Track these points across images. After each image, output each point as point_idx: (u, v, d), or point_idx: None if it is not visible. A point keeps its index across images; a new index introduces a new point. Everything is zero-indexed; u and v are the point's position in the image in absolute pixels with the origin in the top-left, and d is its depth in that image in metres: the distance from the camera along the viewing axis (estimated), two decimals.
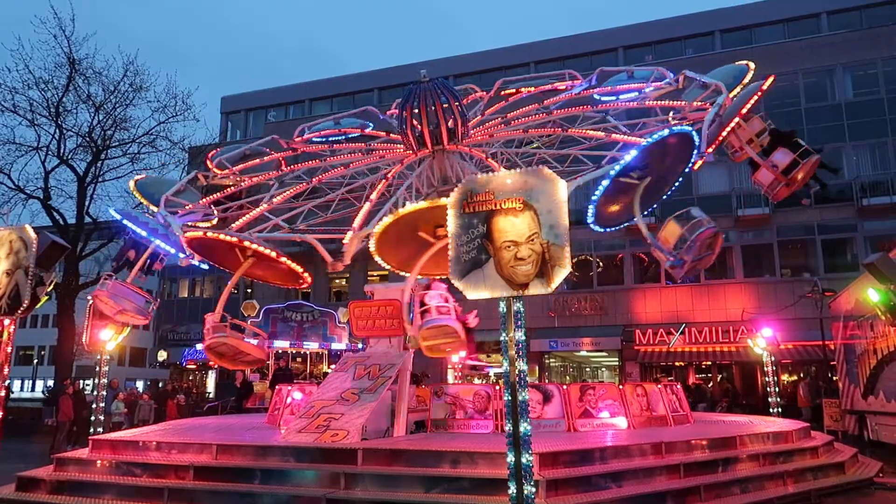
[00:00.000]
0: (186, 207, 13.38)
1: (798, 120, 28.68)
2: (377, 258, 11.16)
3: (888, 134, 27.94)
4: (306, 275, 12.60)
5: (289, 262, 11.92)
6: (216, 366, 26.77)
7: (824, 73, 29.79)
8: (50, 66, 28.03)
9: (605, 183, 10.45)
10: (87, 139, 27.63)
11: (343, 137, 15.29)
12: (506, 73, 38.16)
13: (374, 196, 12.81)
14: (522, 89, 15.24)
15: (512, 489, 6.60)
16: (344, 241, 11.80)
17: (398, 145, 13.97)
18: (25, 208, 28.59)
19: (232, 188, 14.05)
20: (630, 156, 10.26)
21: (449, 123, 12.54)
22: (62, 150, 27.50)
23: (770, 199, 13.49)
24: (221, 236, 11.66)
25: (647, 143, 10.26)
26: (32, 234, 10.24)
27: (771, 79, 12.39)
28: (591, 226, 11.38)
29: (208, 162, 14.84)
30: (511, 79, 15.46)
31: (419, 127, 12.60)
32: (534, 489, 7.17)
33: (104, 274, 13.44)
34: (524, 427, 6.64)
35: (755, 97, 11.94)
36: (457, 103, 12.64)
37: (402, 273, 11.77)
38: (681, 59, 32.01)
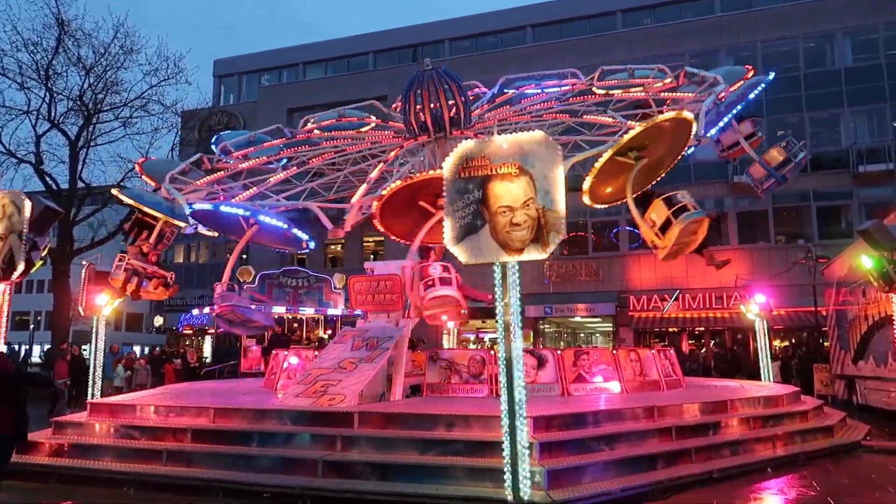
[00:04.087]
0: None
1: (797, 85, 28.49)
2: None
3: (886, 100, 27.77)
4: (298, 233, 12.86)
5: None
6: (215, 332, 26.91)
7: (824, 39, 29.48)
8: (38, 28, 27.60)
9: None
10: (79, 103, 27.28)
11: (347, 125, 15.43)
12: (501, 37, 37.83)
13: (374, 175, 13.15)
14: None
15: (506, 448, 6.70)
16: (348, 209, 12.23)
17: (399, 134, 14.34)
18: (17, 173, 28.38)
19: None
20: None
21: (452, 111, 12.80)
22: (53, 114, 27.18)
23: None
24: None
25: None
26: (25, 199, 10.17)
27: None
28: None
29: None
30: (513, 77, 15.48)
31: (422, 113, 12.87)
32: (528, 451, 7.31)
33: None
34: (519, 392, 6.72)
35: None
36: (459, 91, 12.90)
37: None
38: (679, 23, 31.62)
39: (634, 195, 11.91)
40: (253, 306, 13.65)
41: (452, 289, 11.06)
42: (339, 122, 15.39)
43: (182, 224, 12.59)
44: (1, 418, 6.94)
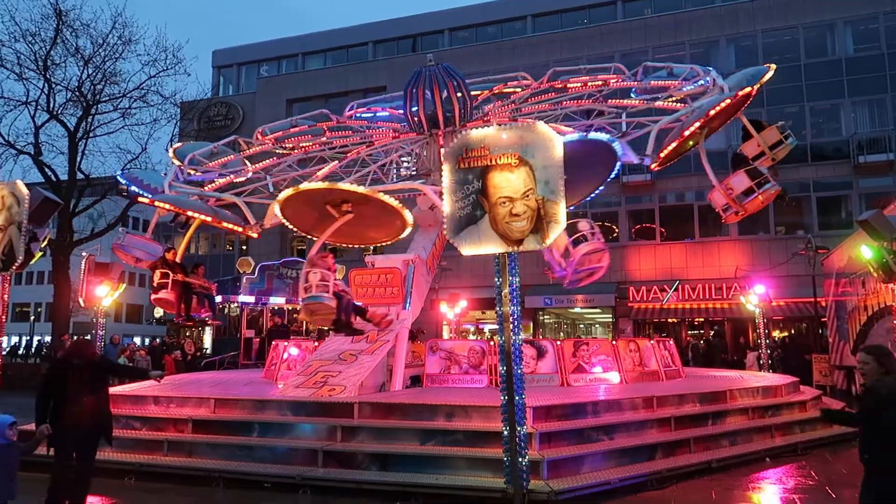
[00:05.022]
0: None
1: (797, 76, 28.37)
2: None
3: (887, 90, 27.66)
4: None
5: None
6: (215, 324, 26.91)
7: (825, 28, 29.34)
8: (36, 18, 27.51)
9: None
10: (77, 93, 27.20)
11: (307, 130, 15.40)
12: (502, 27, 37.65)
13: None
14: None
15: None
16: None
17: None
18: (16, 164, 28.36)
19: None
20: (715, 110, 10.83)
21: (453, 107, 12.85)
22: (52, 105, 27.11)
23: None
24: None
25: (726, 100, 10.77)
26: (25, 190, 10.17)
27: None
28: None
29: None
30: (561, 69, 15.44)
31: (424, 109, 12.99)
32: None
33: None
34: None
35: (722, 104, 11.27)
36: (460, 88, 12.99)
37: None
38: (679, 13, 31.47)
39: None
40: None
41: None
42: (289, 133, 15.16)
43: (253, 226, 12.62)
44: (85, 409, 6.43)
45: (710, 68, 13.25)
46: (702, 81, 12.96)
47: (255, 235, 13.40)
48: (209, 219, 12.50)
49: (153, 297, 13.33)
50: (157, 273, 12.88)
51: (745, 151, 12.65)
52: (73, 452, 6.47)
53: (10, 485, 5.73)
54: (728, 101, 11.12)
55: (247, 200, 13.08)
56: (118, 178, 14.62)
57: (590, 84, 13.99)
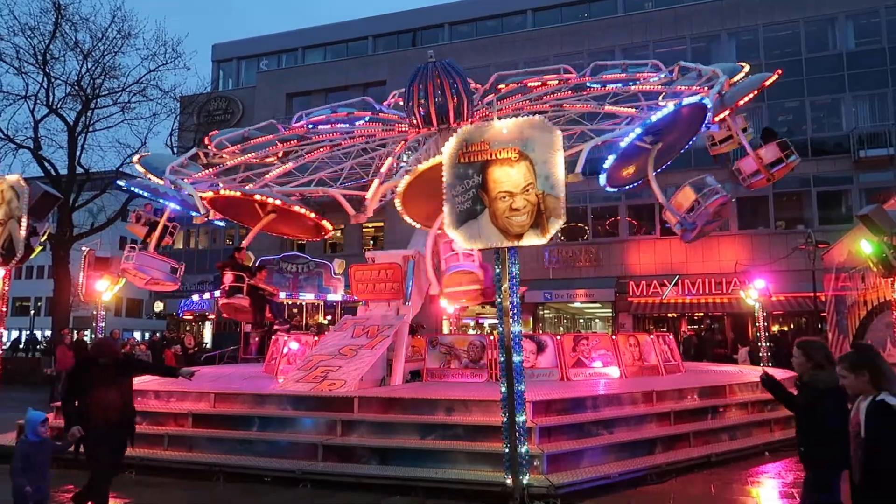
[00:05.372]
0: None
1: (798, 70, 28.32)
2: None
3: (888, 85, 27.62)
4: (326, 223, 12.73)
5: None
6: (214, 317, 26.91)
7: (826, 22, 29.28)
8: (35, 12, 27.43)
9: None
10: (76, 88, 27.18)
11: (346, 118, 15.44)
12: (502, 21, 37.58)
13: (384, 169, 13.27)
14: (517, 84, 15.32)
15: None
16: (366, 196, 12.21)
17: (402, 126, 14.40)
18: (16, 158, 28.44)
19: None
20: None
21: (454, 103, 12.91)
22: (51, 99, 27.08)
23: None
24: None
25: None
26: (24, 184, 10.15)
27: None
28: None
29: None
30: (505, 73, 15.55)
31: (425, 105, 12.99)
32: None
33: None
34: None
35: (756, 91, 12.76)
36: (462, 83, 13.04)
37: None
38: (680, 7, 31.37)
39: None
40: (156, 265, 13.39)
41: (475, 265, 11.22)
42: (331, 118, 15.38)
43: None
44: (112, 407, 6.30)
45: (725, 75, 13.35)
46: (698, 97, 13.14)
47: (330, 229, 13.33)
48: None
49: (223, 302, 13.10)
50: (230, 275, 12.66)
51: (741, 168, 13.28)
52: (102, 451, 6.35)
53: (43, 484, 5.61)
54: (756, 91, 12.23)
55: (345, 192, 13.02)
56: (137, 165, 14.61)
57: (629, 83, 14.19)
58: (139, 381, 12.79)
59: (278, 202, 11.76)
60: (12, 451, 9.67)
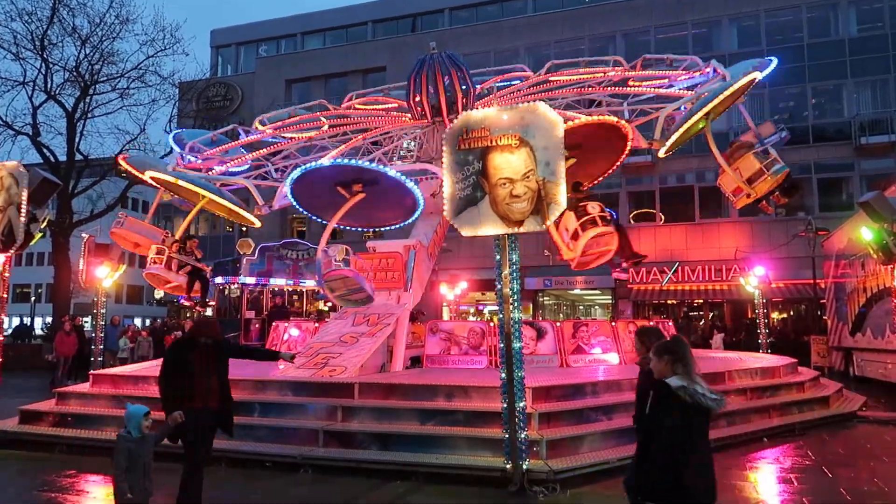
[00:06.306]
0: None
1: (800, 56, 28.16)
2: (292, 201, 11.68)
3: (891, 71, 27.48)
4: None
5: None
6: (214, 304, 26.93)
7: (828, 8, 29.08)
8: None
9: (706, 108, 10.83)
10: (75, 74, 27.07)
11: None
12: (502, 6, 37.30)
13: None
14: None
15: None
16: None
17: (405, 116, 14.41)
18: (15, 145, 28.34)
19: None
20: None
21: (456, 94, 12.90)
22: (49, 85, 26.98)
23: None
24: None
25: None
26: (23, 171, 10.13)
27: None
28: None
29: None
30: (559, 62, 15.42)
31: (426, 97, 13.02)
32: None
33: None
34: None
35: (727, 92, 11.32)
36: (464, 74, 13.03)
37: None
38: None
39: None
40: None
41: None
42: (287, 122, 15.27)
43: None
44: (212, 392, 5.93)
45: (713, 60, 13.15)
46: (700, 78, 12.92)
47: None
48: (222, 200, 12.47)
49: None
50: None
51: (722, 185, 12.64)
52: (201, 439, 5.94)
53: (146, 483, 5.30)
54: (734, 87, 11.04)
55: (255, 183, 13.06)
56: (120, 162, 14.53)
57: (589, 76, 13.97)
58: (140, 368, 12.87)
59: (375, 166, 11.28)
60: (12, 437, 9.80)
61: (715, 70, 12.61)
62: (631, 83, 13.73)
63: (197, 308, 14.29)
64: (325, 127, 14.63)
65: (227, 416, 6.15)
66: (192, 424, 5.77)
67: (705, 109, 10.92)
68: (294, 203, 11.86)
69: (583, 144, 10.78)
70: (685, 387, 3.91)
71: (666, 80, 13.59)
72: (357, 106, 15.73)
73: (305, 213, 12.76)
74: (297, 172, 10.80)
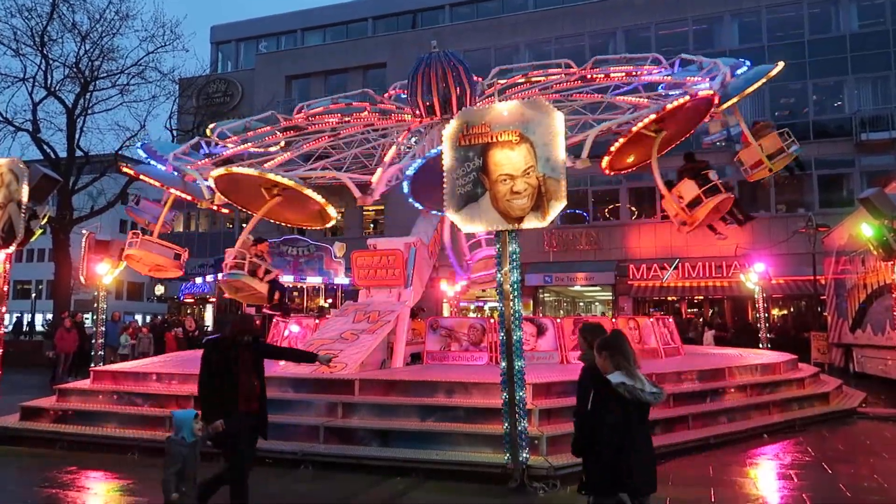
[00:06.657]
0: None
1: (801, 52, 28.10)
2: (222, 196, 12.39)
3: (891, 67, 27.43)
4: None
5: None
6: (215, 300, 26.97)
7: (830, 4, 29.00)
8: None
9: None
10: (75, 70, 27.04)
11: (345, 108, 15.47)
12: (503, 3, 37.23)
13: (387, 158, 13.31)
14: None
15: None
16: (371, 180, 12.18)
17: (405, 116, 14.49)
18: (15, 141, 28.32)
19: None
20: (670, 105, 10.87)
21: (458, 92, 12.98)
22: (49, 82, 26.96)
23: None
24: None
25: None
26: (24, 167, 10.12)
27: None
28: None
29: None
30: (507, 67, 15.66)
31: (429, 95, 13.10)
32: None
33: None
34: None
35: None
36: (465, 72, 13.09)
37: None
38: None
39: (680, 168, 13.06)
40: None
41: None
42: (330, 109, 15.34)
43: (202, 199, 12.74)
44: (252, 394, 5.68)
45: (727, 66, 13.08)
46: (706, 85, 12.91)
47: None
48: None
49: (223, 280, 12.98)
50: (230, 253, 12.69)
51: (742, 159, 12.98)
52: (244, 442, 5.68)
53: (194, 489, 5.15)
54: (681, 101, 10.90)
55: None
56: (139, 150, 14.92)
57: (632, 75, 14.12)
58: (141, 365, 12.88)
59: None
60: (13, 434, 9.81)
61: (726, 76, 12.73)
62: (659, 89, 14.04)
63: (283, 319, 14.01)
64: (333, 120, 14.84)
65: (264, 418, 5.93)
66: (237, 428, 5.55)
67: (640, 124, 11.27)
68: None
69: (667, 119, 11.28)
70: (624, 383, 4.15)
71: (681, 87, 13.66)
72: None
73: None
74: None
